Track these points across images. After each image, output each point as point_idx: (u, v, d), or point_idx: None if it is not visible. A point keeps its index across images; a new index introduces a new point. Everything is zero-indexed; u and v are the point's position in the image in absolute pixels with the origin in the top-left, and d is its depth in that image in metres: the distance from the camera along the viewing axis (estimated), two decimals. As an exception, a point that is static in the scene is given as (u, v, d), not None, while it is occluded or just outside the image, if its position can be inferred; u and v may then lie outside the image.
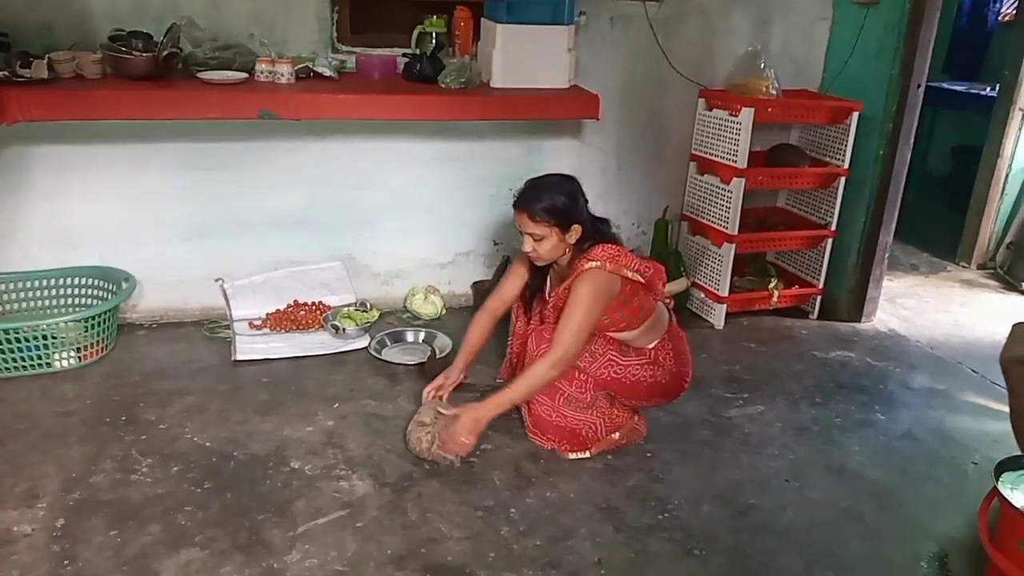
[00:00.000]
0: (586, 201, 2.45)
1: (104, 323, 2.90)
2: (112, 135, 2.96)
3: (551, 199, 2.35)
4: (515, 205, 2.40)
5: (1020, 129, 4.24)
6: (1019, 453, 2.37)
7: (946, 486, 2.49)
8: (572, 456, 2.48)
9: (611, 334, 2.43)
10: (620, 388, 2.45)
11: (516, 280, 2.67)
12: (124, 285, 3.03)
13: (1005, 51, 5.45)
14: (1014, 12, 6.10)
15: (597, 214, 2.52)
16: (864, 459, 2.60)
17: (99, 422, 2.56)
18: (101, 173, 3.04)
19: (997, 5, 6.19)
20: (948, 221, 4.89)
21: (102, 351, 2.94)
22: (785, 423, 2.78)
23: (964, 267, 4.46)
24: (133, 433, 2.51)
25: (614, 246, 2.40)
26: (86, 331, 2.85)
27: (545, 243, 2.38)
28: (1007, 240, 4.34)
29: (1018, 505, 1.87)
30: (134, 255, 3.15)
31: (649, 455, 2.54)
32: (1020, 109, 4.20)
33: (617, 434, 2.51)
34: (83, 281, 3.12)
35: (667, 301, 2.63)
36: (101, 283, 3.12)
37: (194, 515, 2.15)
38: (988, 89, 5.35)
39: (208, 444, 2.48)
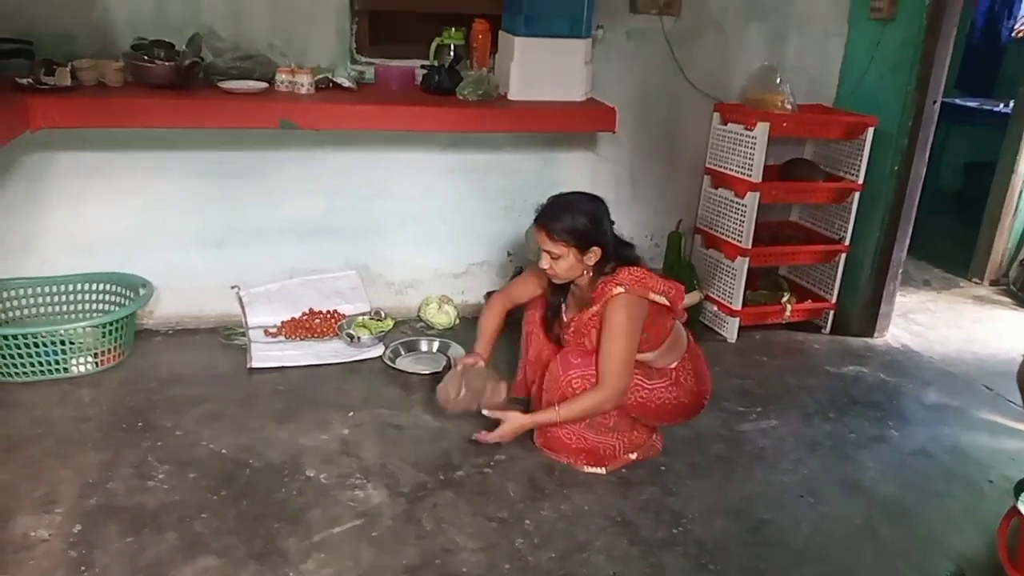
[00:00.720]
0: (612, 223, 2.43)
1: (122, 329, 2.92)
2: (131, 143, 2.99)
3: (572, 219, 2.33)
4: (536, 221, 2.40)
5: (1034, 146, 4.23)
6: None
7: (961, 503, 2.48)
8: (587, 470, 2.48)
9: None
10: (646, 412, 2.45)
11: (527, 287, 2.66)
12: (142, 291, 3.06)
13: (1019, 67, 5.46)
14: (1027, 28, 6.11)
15: (621, 235, 2.50)
16: (878, 475, 2.59)
17: (116, 428, 2.58)
18: (120, 180, 3.06)
19: (1011, 21, 6.19)
20: (960, 237, 4.88)
21: (119, 357, 2.96)
22: (799, 438, 2.78)
23: (977, 283, 4.45)
24: (150, 439, 2.52)
25: (640, 269, 2.36)
26: (104, 337, 2.87)
27: (562, 262, 2.37)
28: (1020, 257, 4.33)
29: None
30: (151, 262, 3.17)
31: (663, 469, 2.54)
32: (1034, 126, 4.19)
33: (635, 454, 2.52)
34: (101, 287, 3.14)
35: (682, 317, 2.63)
36: (119, 289, 3.14)
37: (210, 523, 2.16)
38: (1001, 105, 5.36)
39: (224, 451, 2.49)
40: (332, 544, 2.11)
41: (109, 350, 2.91)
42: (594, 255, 2.37)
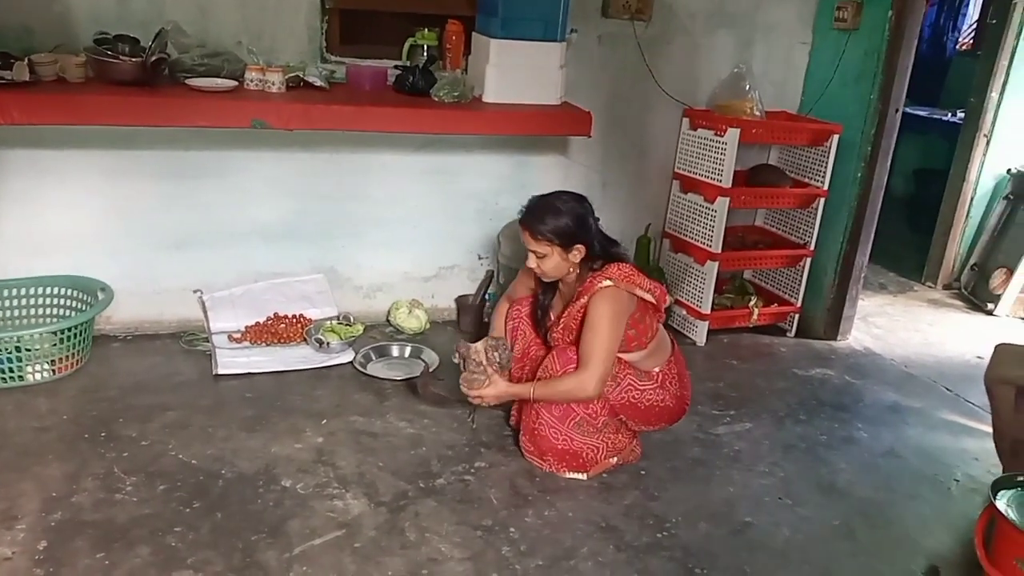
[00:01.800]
0: (596, 220, 2.44)
1: (80, 335, 2.80)
2: (90, 140, 2.87)
3: (554, 219, 2.34)
4: (520, 221, 2.40)
5: (984, 155, 4.37)
6: (1002, 470, 2.45)
7: (932, 503, 2.54)
8: (569, 475, 2.46)
9: (619, 355, 2.42)
10: (635, 413, 2.44)
11: (521, 285, 2.68)
12: (100, 295, 2.94)
13: (964, 78, 5.65)
14: (971, 41, 6.36)
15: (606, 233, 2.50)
16: (851, 476, 2.64)
17: (78, 438, 2.47)
18: (78, 179, 2.94)
19: (955, 34, 6.43)
20: (912, 242, 5.02)
21: (77, 364, 2.83)
22: (772, 440, 2.81)
23: (931, 287, 4.58)
24: (114, 450, 2.42)
25: (628, 265, 2.38)
26: (60, 343, 2.75)
27: (547, 261, 2.38)
28: (971, 262, 4.47)
29: (1016, 523, 1.92)
30: (110, 264, 3.05)
31: (643, 472, 2.54)
32: (984, 135, 4.34)
33: (616, 459, 2.51)
34: (57, 291, 3.01)
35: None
36: (76, 293, 3.01)
37: (184, 536, 2.08)
38: (949, 115, 5.55)
39: (194, 462, 2.40)
40: (313, 556, 2.05)
41: (66, 357, 2.78)
42: (578, 252, 2.37)
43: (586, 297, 2.35)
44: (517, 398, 2.53)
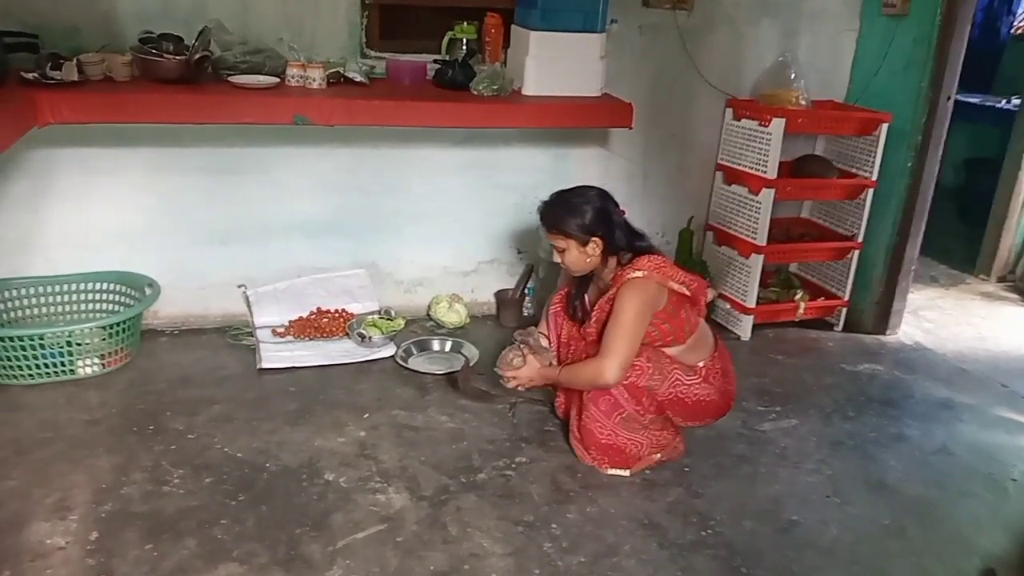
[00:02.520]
0: (620, 212, 2.43)
1: (128, 330, 2.85)
2: (137, 138, 2.92)
3: (567, 214, 2.37)
4: (539, 216, 2.46)
5: (1041, 142, 4.23)
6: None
7: (986, 502, 2.46)
8: (611, 472, 2.44)
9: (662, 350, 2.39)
10: (682, 408, 2.42)
11: (565, 279, 2.72)
12: (148, 291, 2.99)
13: (1018, 64, 5.47)
14: (1028, 25, 6.15)
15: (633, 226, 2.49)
16: (902, 474, 2.57)
17: (126, 431, 2.51)
18: (123, 177, 2.99)
19: (1010, 18, 6.21)
20: (963, 233, 4.88)
21: (125, 358, 2.89)
22: (820, 437, 2.75)
23: (984, 280, 4.45)
24: (162, 443, 2.46)
25: (659, 257, 2.37)
26: (110, 338, 2.80)
27: (567, 255, 2.41)
28: (1026, 253, 4.33)
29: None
30: (156, 260, 3.10)
31: (687, 469, 2.50)
32: (1041, 122, 4.19)
33: (659, 455, 2.48)
34: (106, 286, 3.07)
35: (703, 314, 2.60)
36: (124, 288, 3.07)
37: (230, 528, 2.11)
38: (1003, 102, 5.37)
39: (239, 455, 2.43)
40: (356, 550, 2.06)
41: (115, 351, 2.84)
42: (595, 245, 2.37)
43: (615, 288, 2.35)
44: (547, 381, 2.57)
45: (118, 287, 3.07)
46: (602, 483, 2.41)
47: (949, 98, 3.32)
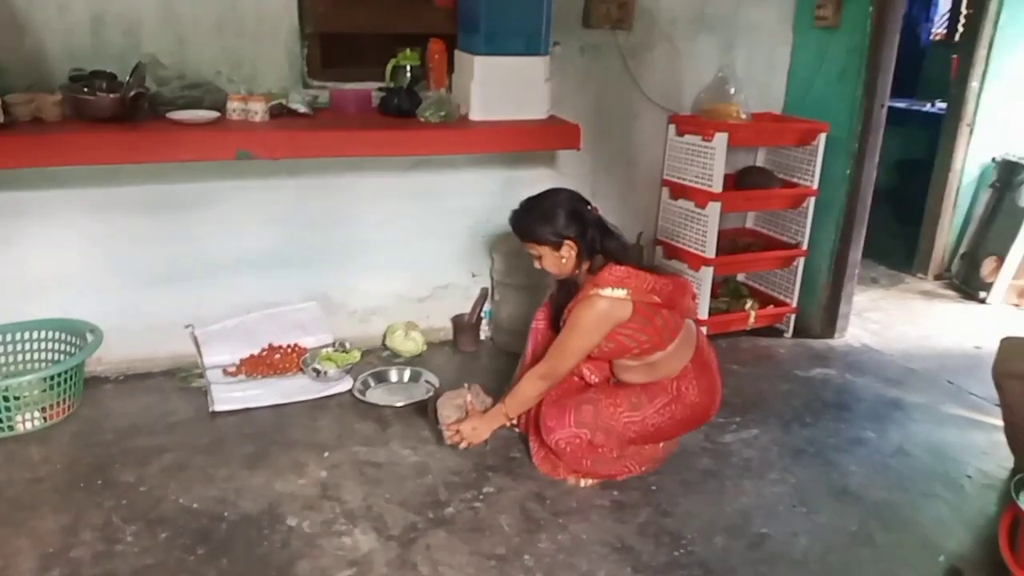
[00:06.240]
0: (593, 210, 2.42)
1: (70, 379, 2.73)
2: (72, 179, 2.80)
3: (537, 220, 2.39)
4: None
5: (968, 144, 4.39)
6: (1014, 463, 2.43)
7: (947, 502, 2.51)
8: (582, 484, 2.48)
9: (641, 359, 2.42)
10: (646, 438, 2.45)
11: (549, 295, 2.75)
12: (90, 337, 2.87)
13: (940, 68, 5.68)
14: (944, 31, 6.41)
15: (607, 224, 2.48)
16: (863, 479, 2.61)
17: (73, 487, 2.40)
18: (59, 219, 2.87)
19: (928, 24, 6.46)
20: (898, 232, 5.03)
21: (68, 409, 2.76)
22: (781, 446, 2.79)
23: (921, 278, 4.59)
24: (112, 498, 2.35)
25: (623, 267, 2.34)
26: (51, 389, 2.67)
27: (544, 260, 2.42)
28: (961, 251, 4.48)
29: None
30: (97, 304, 2.97)
31: (654, 488, 2.50)
32: (967, 124, 4.35)
33: (645, 467, 2.55)
34: (45, 335, 2.93)
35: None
36: (64, 336, 2.94)
37: (191, 585, 2.02)
38: (928, 105, 5.57)
39: (195, 505, 2.33)
40: (326, 598, 2.00)
41: (57, 403, 2.71)
42: (569, 248, 2.36)
43: (572, 302, 2.38)
44: (496, 422, 2.54)
45: (58, 335, 2.94)
46: (571, 508, 2.39)
47: (883, 105, 3.42)
